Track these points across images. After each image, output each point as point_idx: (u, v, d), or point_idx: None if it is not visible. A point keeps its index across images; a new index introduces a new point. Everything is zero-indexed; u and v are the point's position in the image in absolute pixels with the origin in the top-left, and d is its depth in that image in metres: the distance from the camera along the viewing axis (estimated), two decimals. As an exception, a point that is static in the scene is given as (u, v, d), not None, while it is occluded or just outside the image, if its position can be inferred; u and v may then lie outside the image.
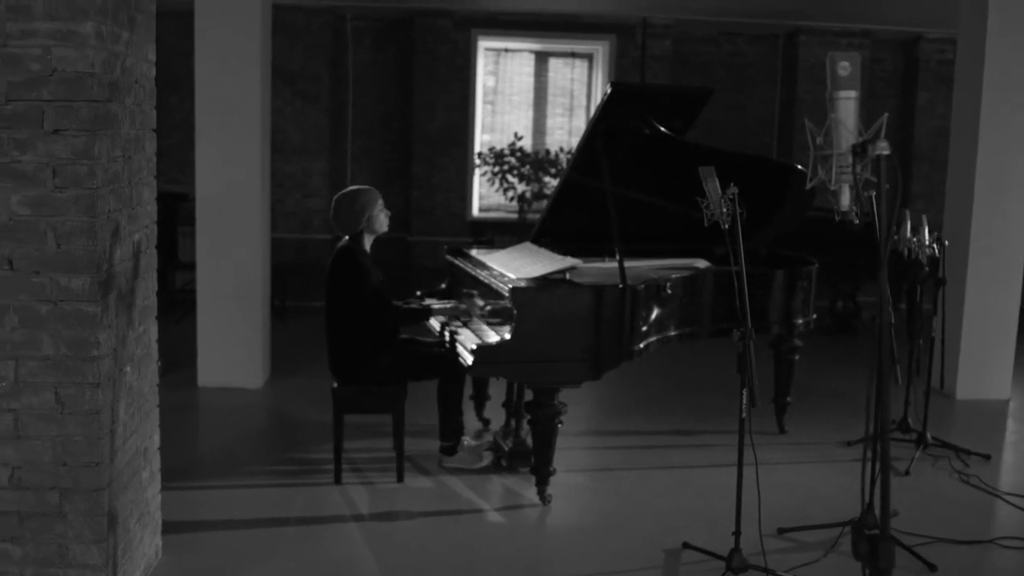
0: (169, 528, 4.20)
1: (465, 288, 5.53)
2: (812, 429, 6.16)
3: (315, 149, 10.07)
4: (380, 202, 5.09)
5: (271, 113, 7.09)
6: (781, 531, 4.49)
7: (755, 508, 4.26)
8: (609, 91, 4.87)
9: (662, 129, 5.21)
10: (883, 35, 10.56)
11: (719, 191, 3.85)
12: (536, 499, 4.81)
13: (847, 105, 2.50)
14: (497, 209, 10.59)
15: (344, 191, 5.11)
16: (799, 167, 5.73)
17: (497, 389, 6.18)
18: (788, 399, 6.06)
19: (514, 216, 10.25)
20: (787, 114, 10.75)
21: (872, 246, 4.71)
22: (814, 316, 5.89)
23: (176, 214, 9.30)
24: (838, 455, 5.68)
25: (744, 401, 3.79)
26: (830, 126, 2.53)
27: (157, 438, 3.93)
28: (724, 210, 3.83)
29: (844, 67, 2.46)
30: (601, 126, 5.01)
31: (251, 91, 6.54)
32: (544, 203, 9.95)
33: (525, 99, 10.66)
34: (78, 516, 3.28)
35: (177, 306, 8.94)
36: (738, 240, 3.81)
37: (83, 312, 3.18)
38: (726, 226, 3.84)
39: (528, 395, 4.91)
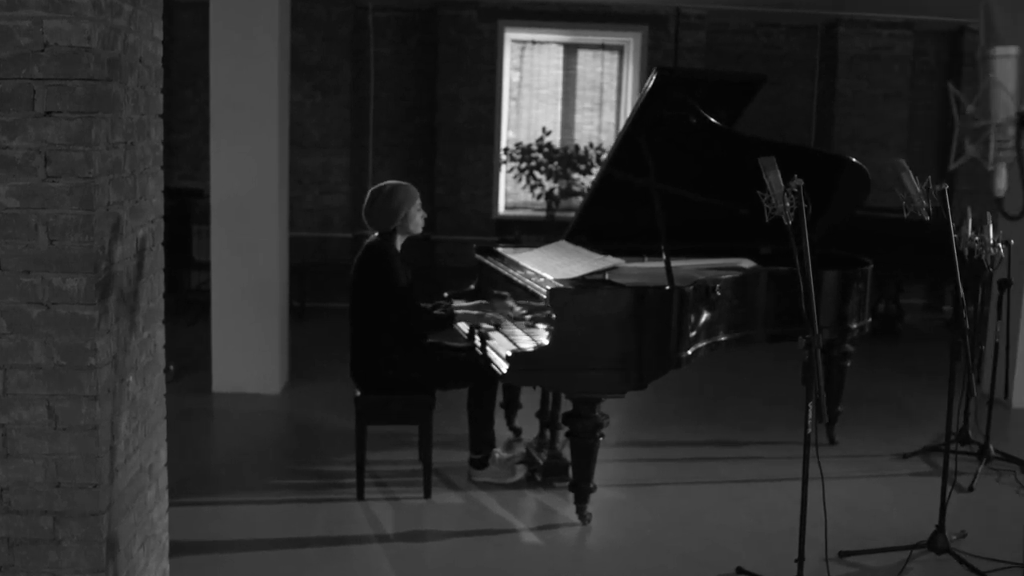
0: (177, 549, 3.89)
1: (496, 290, 5.19)
2: (863, 440, 5.80)
3: (335, 144, 9.78)
4: (418, 201, 4.79)
5: (289, 107, 6.81)
6: (843, 554, 4.13)
7: (816, 530, 3.91)
8: (655, 77, 4.51)
9: (711, 119, 4.83)
10: (926, 26, 10.15)
11: (782, 183, 3.49)
12: (573, 517, 4.47)
13: (1005, 65, 2.02)
14: (524, 207, 10.24)
15: (380, 185, 4.79)
16: (853, 160, 5.37)
17: (529, 397, 5.84)
18: (840, 408, 5.71)
19: (542, 214, 9.92)
20: (826, 107, 10.38)
21: (933, 245, 4.35)
22: (869, 320, 5.51)
23: (191, 211, 9.09)
24: (893, 468, 5.34)
25: (810, 414, 3.44)
26: (985, 91, 2.06)
27: (164, 453, 3.61)
28: (788, 204, 3.47)
29: (1003, 18, 2.01)
30: (646, 115, 4.65)
31: (268, 84, 6.27)
32: (573, 201, 9.61)
33: (553, 93, 10.31)
34: (73, 543, 2.95)
35: (191, 307, 8.70)
36: (803, 236, 3.45)
37: (79, 316, 2.85)
38: (790, 221, 3.48)
39: (564, 404, 4.57)
